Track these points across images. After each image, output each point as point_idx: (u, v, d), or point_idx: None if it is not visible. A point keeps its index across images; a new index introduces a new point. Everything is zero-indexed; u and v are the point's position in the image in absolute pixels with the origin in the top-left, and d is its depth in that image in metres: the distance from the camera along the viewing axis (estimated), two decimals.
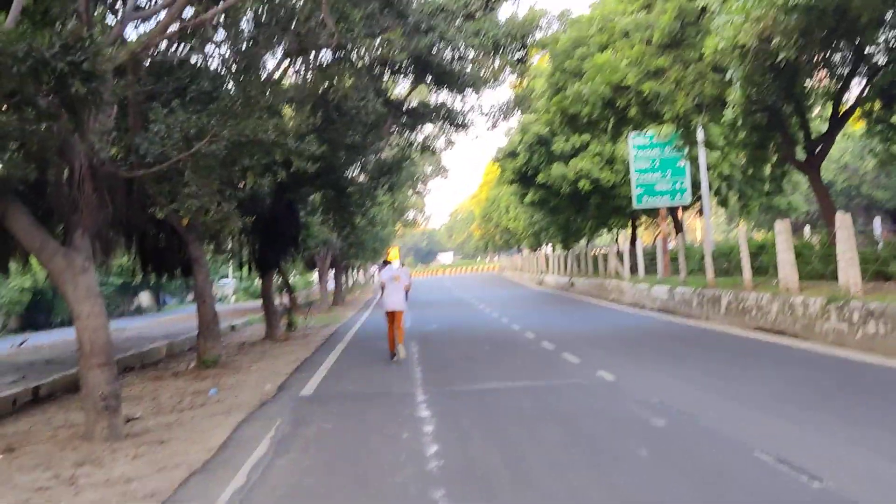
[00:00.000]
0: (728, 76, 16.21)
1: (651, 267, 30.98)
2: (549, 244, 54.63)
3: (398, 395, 11.49)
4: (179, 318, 42.26)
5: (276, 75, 15.40)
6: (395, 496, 6.56)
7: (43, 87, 7.95)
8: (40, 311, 43.63)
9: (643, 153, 30.36)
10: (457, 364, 15.00)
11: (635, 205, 30.81)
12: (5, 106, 8.40)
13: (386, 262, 18.12)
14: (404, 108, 20.82)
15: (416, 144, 24.15)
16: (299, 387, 13.08)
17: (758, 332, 17.20)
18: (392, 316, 16.10)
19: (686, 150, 24.80)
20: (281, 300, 26.89)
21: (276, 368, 15.86)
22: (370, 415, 10.07)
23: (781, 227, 18.12)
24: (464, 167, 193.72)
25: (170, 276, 18.84)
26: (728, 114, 17.15)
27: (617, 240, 44.82)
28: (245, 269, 24.55)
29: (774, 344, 14.93)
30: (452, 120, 21.98)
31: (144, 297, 66.68)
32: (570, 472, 6.94)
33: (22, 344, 24.22)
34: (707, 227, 29.49)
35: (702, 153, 28.25)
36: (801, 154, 21.28)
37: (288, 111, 17.07)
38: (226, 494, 6.96)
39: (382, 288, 16.40)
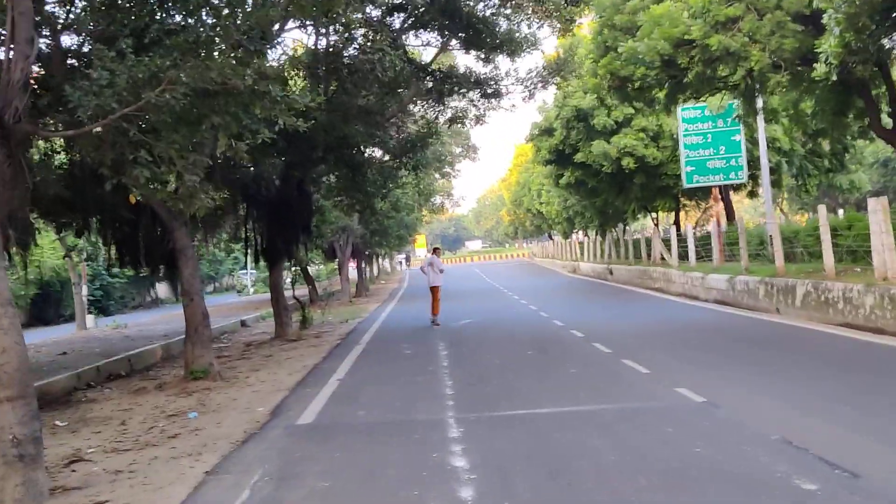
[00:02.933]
0: (824, 20, 13.25)
1: (702, 253, 27.98)
2: (582, 230, 51.63)
3: (424, 426, 8.75)
4: None
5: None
6: None
7: None
8: (49, 304, 41.40)
9: (694, 127, 27.38)
10: (496, 374, 12.24)
11: (685, 184, 27.83)
12: None
13: (436, 250, 23.65)
14: (429, 70, 17.97)
15: (443, 117, 21.30)
16: (298, 409, 10.38)
17: (847, 329, 14.38)
18: (433, 290, 21.63)
19: (749, 118, 21.81)
20: (293, 293, 24.26)
21: (277, 380, 13.19)
22: (385, 462, 7.32)
23: (877, 205, 15.22)
24: (493, 149, 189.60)
25: (151, 269, 16.15)
26: (820, 69, 14.17)
27: (656, 224, 41.74)
28: (251, 259, 21.78)
29: (889, 347, 12.06)
30: (484, 87, 19.10)
31: (162, 288, 64.53)
32: None
33: None
34: (769, 208, 26.50)
35: (761, 125, 25.23)
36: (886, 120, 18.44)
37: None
38: None
39: (423, 270, 22.50)
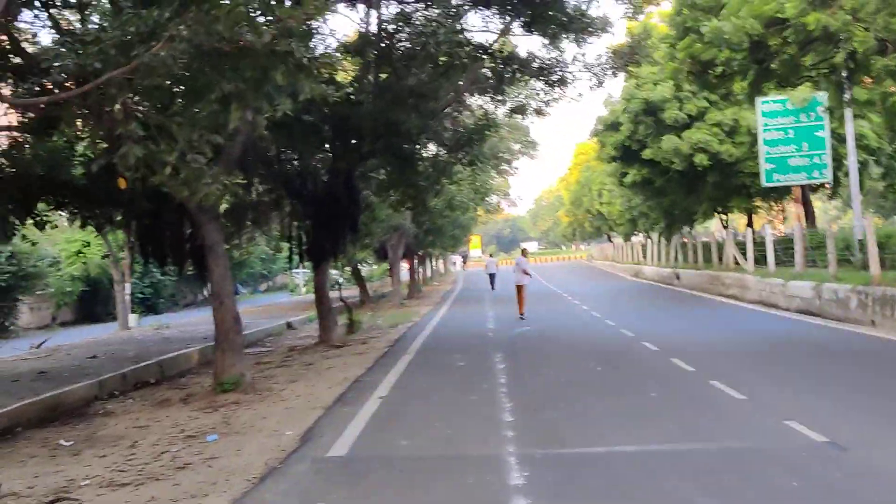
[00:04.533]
0: None
1: (781, 258, 25.87)
2: (645, 232, 49.44)
3: (478, 465, 7.16)
4: (249, 309, 38.84)
5: None
6: None
7: None
8: (97, 301, 40.65)
9: (774, 122, 25.33)
10: (561, 395, 10.59)
11: (764, 182, 25.74)
12: None
13: (524, 252, 26.22)
14: (488, 51, 16.30)
15: (503, 108, 19.67)
16: (332, 435, 8.85)
17: None
18: (518, 289, 23.22)
19: (840, 110, 19.79)
20: (340, 295, 22.87)
21: (314, 394, 11.71)
22: None
23: None
24: (552, 147, 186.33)
25: (178, 267, 14.75)
26: None
27: (726, 226, 39.48)
28: (296, 258, 20.41)
29: None
30: (548, 74, 17.38)
31: None
32: None
33: (41, 345, 20.74)
34: (857, 210, 24.33)
35: (849, 119, 23.11)
36: None
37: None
38: None
39: (523, 272, 23.53)
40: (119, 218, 13.51)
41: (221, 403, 11.49)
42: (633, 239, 55.26)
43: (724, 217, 39.43)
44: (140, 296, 43.60)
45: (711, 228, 58.03)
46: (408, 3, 14.00)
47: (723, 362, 12.67)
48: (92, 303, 40.44)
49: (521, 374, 12.66)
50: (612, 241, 69.14)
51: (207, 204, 6.86)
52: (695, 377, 11.41)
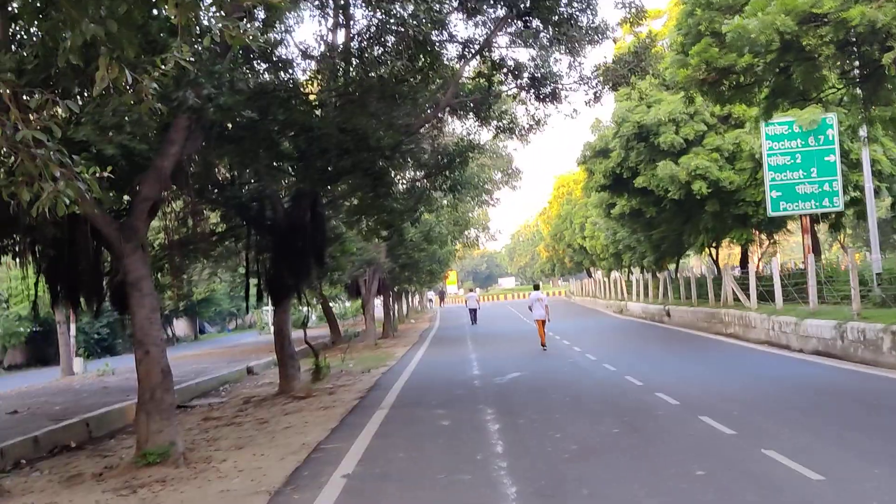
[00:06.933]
0: None
1: (791, 293, 23.76)
2: (627, 267, 47.27)
3: None
4: (211, 351, 36.25)
5: None
6: None
7: None
8: (50, 343, 37.68)
9: (779, 145, 23.25)
10: (576, 472, 8.20)
11: (770, 212, 23.62)
12: None
13: (536, 287, 27.97)
14: (473, 47, 14.04)
15: (487, 129, 17.44)
16: None
17: None
18: (539, 322, 24.24)
19: (863, 132, 17.75)
20: (304, 337, 20.38)
21: (261, 470, 9.21)
22: None
23: None
24: (531, 181, 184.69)
25: (94, 310, 12.12)
26: None
27: (715, 260, 37.46)
28: (253, 297, 17.93)
29: None
30: (541, 86, 15.18)
31: (181, 325, 60.73)
32: None
33: None
34: (874, 239, 22.33)
35: (865, 143, 21.19)
36: None
37: None
38: None
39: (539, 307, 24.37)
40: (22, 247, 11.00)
41: (142, 482, 9.00)
42: (613, 274, 53.14)
43: (711, 251, 37.38)
44: (97, 336, 40.76)
45: (690, 263, 56.07)
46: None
47: (767, 421, 10.36)
48: (44, 344, 37.46)
49: (521, 439, 10.24)
50: (591, 277, 67.09)
51: (60, 213, 4.46)
52: (741, 444, 9.06)
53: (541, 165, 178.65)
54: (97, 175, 4.66)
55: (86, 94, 7.07)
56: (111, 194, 9.71)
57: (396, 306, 48.00)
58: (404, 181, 18.35)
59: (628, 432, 10.33)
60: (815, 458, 8.05)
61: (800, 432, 9.58)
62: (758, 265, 34.84)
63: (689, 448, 9.10)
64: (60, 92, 4.44)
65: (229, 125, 11.23)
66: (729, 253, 48.27)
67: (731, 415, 10.80)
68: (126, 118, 7.19)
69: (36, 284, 11.07)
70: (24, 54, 4.40)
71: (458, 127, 22.29)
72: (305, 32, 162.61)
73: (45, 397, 17.92)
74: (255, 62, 11.08)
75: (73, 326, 25.57)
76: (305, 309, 25.95)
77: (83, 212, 8.49)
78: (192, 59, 4.83)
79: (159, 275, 17.99)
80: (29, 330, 34.53)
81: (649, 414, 11.63)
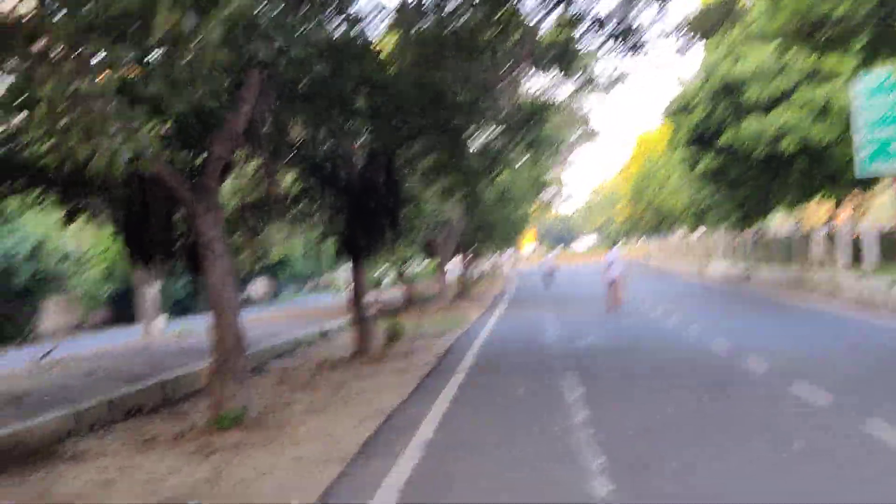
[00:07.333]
0: None
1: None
2: (711, 227, 45.81)
3: None
4: (287, 312, 36.43)
5: None
6: None
7: None
8: (131, 302, 38.54)
9: (876, 100, 21.94)
10: (666, 443, 7.75)
11: (860, 171, 22.37)
12: None
13: (613, 244, 28.09)
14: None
15: (572, 79, 16.78)
16: None
17: None
18: (613, 284, 24.15)
19: None
20: (377, 298, 20.19)
21: (335, 436, 8.99)
22: None
23: None
24: (606, 141, 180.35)
25: (168, 267, 12.09)
26: None
27: (802, 220, 36.02)
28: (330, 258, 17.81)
29: None
30: (625, 35, 14.43)
31: (260, 285, 61.26)
32: None
33: (47, 355, 18.39)
34: None
35: None
36: None
37: None
38: None
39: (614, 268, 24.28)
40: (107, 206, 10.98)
41: (217, 447, 8.87)
42: (694, 234, 51.58)
43: (799, 211, 35.96)
44: (177, 296, 41.46)
45: (775, 223, 54.02)
46: None
47: (867, 390, 9.72)
48: (128, 303, 38.26)
49: (603, 407, 9.79)
50: (670, 237, 65.58)
51: (116, 172, 4.19)
52: (841, 415, 8.48)
53: (619, 125, 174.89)
54: (158, 132, 4.36)
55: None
56: (182, 153, 9.53)
57: (472, 268, 47.67)
58: (482, 139, 17.85)
59: (716, 401, 9.82)
60: None
61: None
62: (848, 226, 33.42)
63: (784, 419, 8.56)
64: (118, 41, 4.14)
65: (301, 82, 10.93)
66: (816, 213, 46.46)
67: (825, 383, 10.16)
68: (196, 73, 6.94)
69: (113, 245, 11.07)
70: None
71: (537, 83, 21.67)
72: None
73: (124, 357, 18.14)
74: (328, 15, 10.71)
75: (155, 285, 25.88)
76: (381, 270, 25.83)
77: (156, 171, 8.32)
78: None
79: (235, 235, 18.00)
80: (109, 290, 35.20)
81: (737, 381, 11.08)
